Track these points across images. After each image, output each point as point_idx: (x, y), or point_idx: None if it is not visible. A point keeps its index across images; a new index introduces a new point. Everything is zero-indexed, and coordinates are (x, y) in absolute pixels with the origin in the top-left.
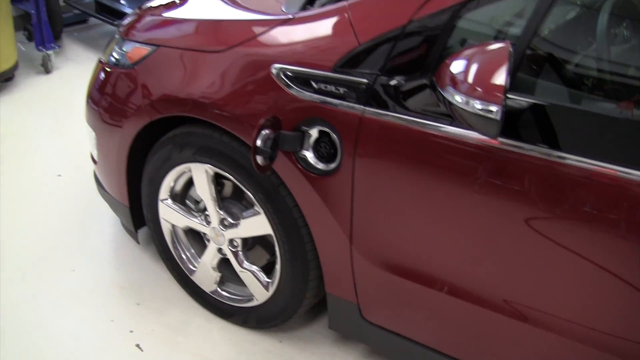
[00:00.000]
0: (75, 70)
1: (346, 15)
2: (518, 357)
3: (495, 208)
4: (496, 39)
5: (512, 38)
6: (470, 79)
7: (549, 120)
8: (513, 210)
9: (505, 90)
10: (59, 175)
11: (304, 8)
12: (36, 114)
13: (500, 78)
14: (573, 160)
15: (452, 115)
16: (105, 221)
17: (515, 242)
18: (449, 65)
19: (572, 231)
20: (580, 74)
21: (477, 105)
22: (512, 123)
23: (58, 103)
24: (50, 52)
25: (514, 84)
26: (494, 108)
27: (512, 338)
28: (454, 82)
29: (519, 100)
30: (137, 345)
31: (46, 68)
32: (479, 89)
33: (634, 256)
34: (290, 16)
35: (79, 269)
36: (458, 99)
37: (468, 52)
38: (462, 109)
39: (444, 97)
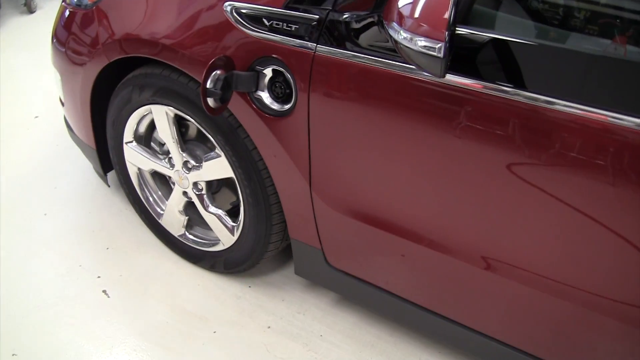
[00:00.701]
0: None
1: None
2: (484, 307)
3: (456, 150)
4: None
5: None
6: (416, 13)
7: (511, 58)
8: (476, 153)
9: (449, 24)
10: (36, 117)
11: None
12: (18, 55)
13: (446, 12)
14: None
15: (399, 53)
16: (78, 165)
17: (479, 186)
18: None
19: (537, 176)
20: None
21: (421, 42)
22: (470, 60)
23: (41, 43)
24: None
25: (475, 17)
26: (437, 45)
27: (479, 288)
28: (400, 17)
29: (475, 35)
30: (104, 292)
31: (29, 7)
32: (424, 25)
33: (621, 207)
34: None
35: (51, 213)
36: (403, 35)
37: None
38: (406, 47)
39: (389, 35)
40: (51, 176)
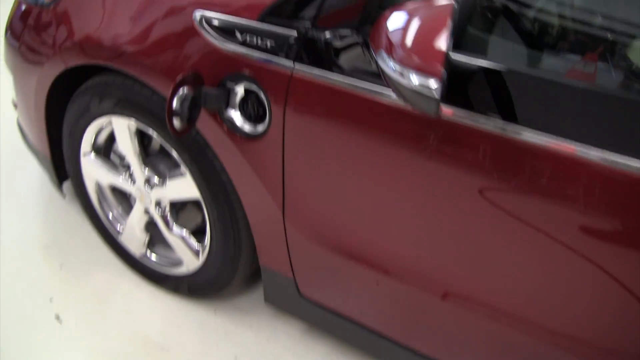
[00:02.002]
0: None
1: None
2: (453, 341)
3: (435, 181)
4: None
5: None
6: (407, 42)
7: (502, 87)
8: (455, 185)
9: (446, 59)
10: None
11: None
12: None
13: (441, 43)
14: (527, 134)
15: (387, 84)
16: (31, 171)
17: (455, 218)
18: (385, 20)
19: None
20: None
21: (414, 79)
22: (458, 88)
23: None
24: None
25: (463, 42)
26: (432, 84)
27: (449, 322)
28: (389, 45)
29: (467, 62)
30: (57, 317)
31: None
32: (416, 58)
33: (590, 240)
34: None
35: (1, 225)
36: (392, 66)
37: (411, 6)
38: (396, 81)
39: (376, 63)
40: (2, 184)
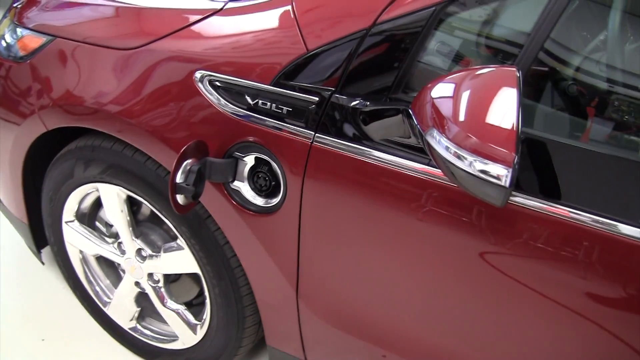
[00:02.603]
0: None
1: (291, 10)
2: None
3: (471, 266)
4: (493, 52)
5: (513, 52)
6: (465, 118)
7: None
8: (492, 270)
9: (518, 142)
10: None
11: None
12: None
13: (509, 122)
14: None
15: (437, 165)
16: (7, 232)
17: (492, 306)
18: (430, 93)
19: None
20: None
21: (476, 163)
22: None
23: None
24: None
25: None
26: (501, 171)
27: None
28: (440, 121)
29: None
30: None
31: None
32: (473, 138)
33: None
34: (219, 6)
35: None
36: (445, 148)
37: (456, 76)
38: (451, 163)
39: (425, 141)
40: None
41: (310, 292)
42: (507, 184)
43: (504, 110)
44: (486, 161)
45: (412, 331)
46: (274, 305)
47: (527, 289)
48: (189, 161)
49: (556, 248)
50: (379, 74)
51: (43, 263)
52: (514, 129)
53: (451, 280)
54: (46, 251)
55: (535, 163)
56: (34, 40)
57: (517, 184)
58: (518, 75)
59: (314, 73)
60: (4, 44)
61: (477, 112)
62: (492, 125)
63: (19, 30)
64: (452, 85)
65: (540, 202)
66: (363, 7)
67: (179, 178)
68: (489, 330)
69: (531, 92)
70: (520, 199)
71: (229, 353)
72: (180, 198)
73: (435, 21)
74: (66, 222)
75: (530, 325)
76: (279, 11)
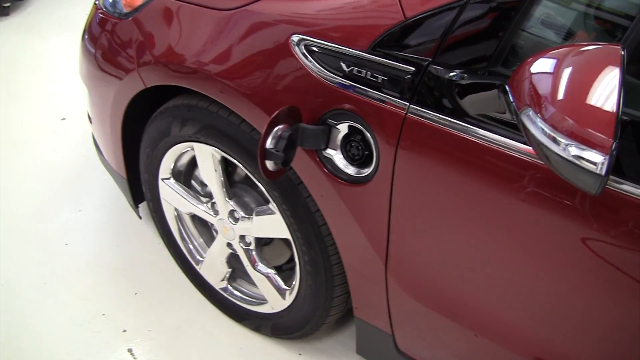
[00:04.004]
0: None
1: None
2: None
3: (566, 247)
4: (602, 26)
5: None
6: (562, 98)
7: None
8: (591, 258)
9: (617, 127)
10: (63, 119)
11: None
12: (48, 41)
13: (609, 104)
14: None
15: (531, 146)
16: (106, 185)
17: (591, 296)
18: (529, 68)
19: None
20: None
21: (571, 148)
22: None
23: (73, 27)
24: None
25: None
26: (597, 158)
27: None
28: (536, 100)
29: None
30: (129, 351)
31: None
32: (574, 121)
33: None
34: None
35: (72, 242)
36: (540, 127)
37: (559, 52)
38: (545, 146)
39: (520, 120)
40: (75, 196)
41: (399, 266)
42: (603, 172)
43: (606, 91)
44: (582, 146)
45: (505, 315)
46: (362, 277)
47: (629, 279)
48: (280, 127)
49: None
50: (478, 45)
51: (140, 217)
52: (614, 112)
53: (547, 266)
54: (143, 206)
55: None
56: None
57: (620, 170)
58: (622, 53)
59: (411, 42)
60: (109, 0)
61: (576, 92)
62: (592, 106)
63: None
64: (554, 61)
65: None
66: None
67: (269, 144)
68: (586, 322)
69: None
70: (626, 187)
71: (317, 321)
72: (269, 164)
73: None
74: (162, 179)
75: (632, 318)
76: None
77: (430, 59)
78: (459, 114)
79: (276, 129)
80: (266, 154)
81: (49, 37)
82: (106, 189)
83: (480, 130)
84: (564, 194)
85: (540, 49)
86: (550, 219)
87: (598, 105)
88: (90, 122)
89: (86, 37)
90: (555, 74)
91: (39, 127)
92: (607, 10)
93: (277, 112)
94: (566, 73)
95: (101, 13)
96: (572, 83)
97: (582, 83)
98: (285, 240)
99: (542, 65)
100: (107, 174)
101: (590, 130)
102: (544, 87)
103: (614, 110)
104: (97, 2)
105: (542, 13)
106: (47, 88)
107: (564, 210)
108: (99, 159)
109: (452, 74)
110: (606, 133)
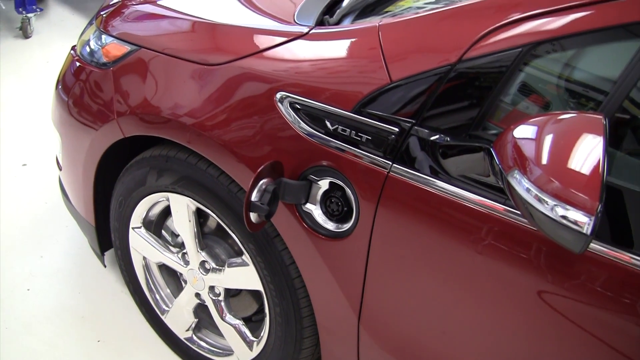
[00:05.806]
0: (57, 37)
1: (377, 40)
2: None
3: (542, 312)
4: (578, 97)
5: (597, 99)
6: (548, 161)
7: None
8: (565, 315)
9: (603, 190)
10: (24, 165)
11: (321, 20)
12: (9, 84)
13: (594, 169)
14: None
15: (515, 205)
16: (70, 230)
17: (565, 352)
18: (513, 133)
19: None
20: None
21: (558, 208)
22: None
23: (36, 72)
24: (30, 15)
25: None
26: (583, 218)
27: None
28: (522, 162)
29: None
30: None
31: (25, 32)
32: (556, 183)
33: None
34: (304, 30)
35: (34, 288)
36: (526, 190)
37: (539, 119)
38: (531, 205)
39: (506, 181)
40: (36, 242)
41: (372, 320)
42: (589, 232)
43: (589, 157)
44: (568, 207)
45: None
46: (334, 329)
47: (597, 340)
48: (264, 180)
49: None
50: (460, 110)
51: (105, 266)
52: (600, 177)
53: (521, 324)
54: (108, 254)
55: (612, 211)
56: (118, 48)
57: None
58: (604, 122)
59: (396, 104)
60: (87, 49)
61: (560, 157)
62: (577, 171)
63: (104, 37)
64: (535, 128)
65: (616, 251)
66: (449, 42)
67: (254, 196)
68: None
69: (613, 140)
70: (598, 247)
71: None
72: (253, 216)
73: (521, 62)
74: (133, 228)
75: None
76: (364, 40)
77: (414, 121)
78: (441, 174)
79: (261, 182)
80: (251, 207)
81: (9, 81)
82: (68, 236)
83: (460, 190)
84: (542, 256)
85: (521, 117)
86: (522, 278)
87: (583, 170)
88: (60, 168)
89: (60, 85)
90: (538, 139)
91: None
92: (580, 83)
93: (262, 166)
94: (549, 138)
95: (78, 61)
96: (555, 148)
97: (566, 148)
98: (255, 292)
99: (525, 130)
100: (69, 221)
101: (576, 192)
102: (528, 151)
103: (600, 175)
104: (72, 52)
105: (521, 84)
106: (7, 133)
107: (537, 269)
108: (65, 205)
109: (435, 136)
110: (592, 196)
